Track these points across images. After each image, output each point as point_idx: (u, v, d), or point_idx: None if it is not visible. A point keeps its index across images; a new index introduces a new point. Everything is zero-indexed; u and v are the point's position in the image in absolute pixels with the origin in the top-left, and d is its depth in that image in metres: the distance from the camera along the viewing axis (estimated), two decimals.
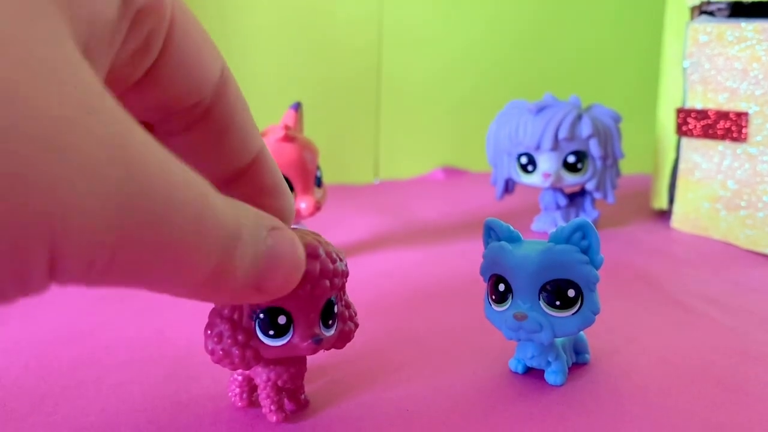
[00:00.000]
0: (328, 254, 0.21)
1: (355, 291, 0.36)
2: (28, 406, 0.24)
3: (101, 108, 0.12)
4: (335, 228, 0.50)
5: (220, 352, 0.21)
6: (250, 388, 0.24)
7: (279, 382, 0.23)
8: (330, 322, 0.22)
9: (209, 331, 0.21)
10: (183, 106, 0.18)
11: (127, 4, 0.14)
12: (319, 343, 0.21)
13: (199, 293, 0.16)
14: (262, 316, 0.21)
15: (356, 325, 0.23)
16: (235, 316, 0.21)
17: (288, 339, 0.21)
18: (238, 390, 0.24)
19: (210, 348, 0.21)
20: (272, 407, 0.23)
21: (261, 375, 0.23)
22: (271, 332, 0.21)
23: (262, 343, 0.21)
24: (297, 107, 0.41)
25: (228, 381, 0.24)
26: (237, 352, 0.21)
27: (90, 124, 0.12)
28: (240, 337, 0.21)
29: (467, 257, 0.42)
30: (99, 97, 0.12)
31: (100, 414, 0.24)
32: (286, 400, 0.23)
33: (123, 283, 0.13)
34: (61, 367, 0.27)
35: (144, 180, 0.13)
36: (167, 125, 0.18)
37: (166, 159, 0.14)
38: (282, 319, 0.21)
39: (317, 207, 0.39)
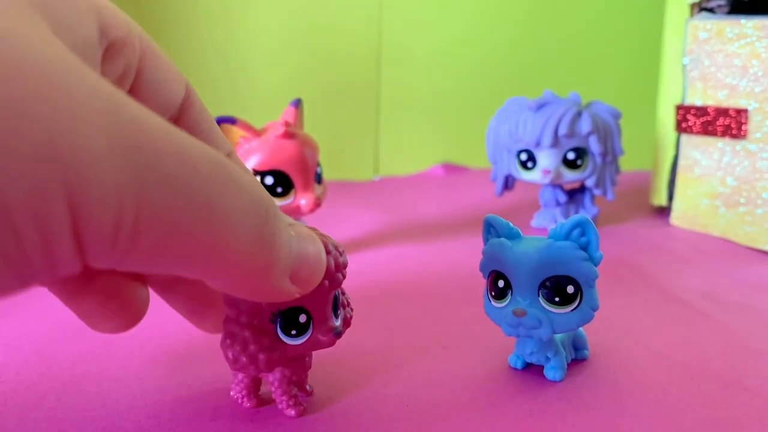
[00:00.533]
0: (335, 247, 0.21)
1: (355, 287, 0.36)
2: (29, 401, 0.24)
3: (98, 78, 0.13)
4: (335, 224, 0.50)
5: (245, 360, 0.21)
6: (256, 387, 0.24)
7: (293, 377, 0.23)
8: (338, 312, 0.22)
9: (229, 341, 0.21)
10: None
11: (103, 36, 0.16)
12: (339, 335, 0.22)
13: (243, 282, 0.16)
14: (281, 317, 0.21)
15: (352, 310, 0.24)
16: (255, 322, 0.21)
17: (309, 335, 0.21)
18: (245, 392, 0.24)
19: (232, 357, 0.21)
20: (290, 402, 0.23)
21: (274, 373, 0.23)
22: (294, 332, 0.21)
23: (285, 343, 0.21)
24: (297, 104, 0.41)
25: (232, 383, 0.24)
26: (263, 357, 0.21)
27: (82, 75, 0.12)
28: (265, 342, 0.21)
29: (467, 253, 0.42)
30: (92, 74, 0.13)
31: (101, 409, 0.24)
32: (298, 393, 0.24)
33: (160, 260, 0.13)
34: (62, 363, 0.27)
35: (146, 128, 0.12)
36: None
37: (170, 126, 0.14)
38: (302, 318, 0.21)
39: (317, 203, 0.39)
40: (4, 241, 0.11)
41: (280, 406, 0.23)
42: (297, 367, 0.23)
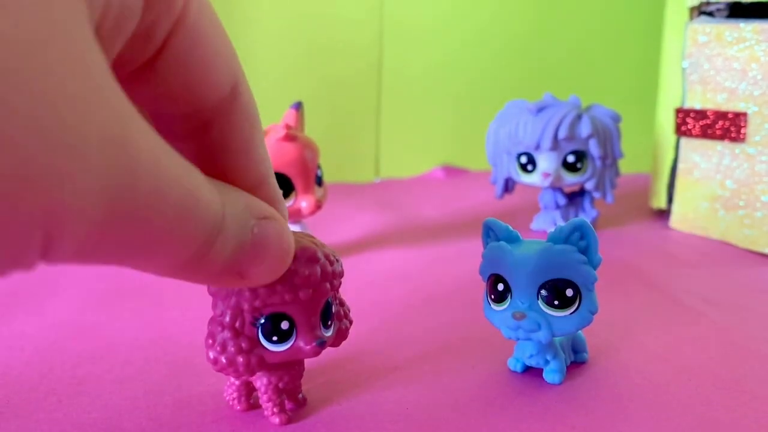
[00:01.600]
0: (326, 256, 0.21)
1: (354, 289, 0.36)
2: (31, 403, 0.24)
3: (105, 90, 0.12)
4: (336, 226, 0.50)
5: (224, 361, 0.21)
6: (248, 391, 0.24)
7: (280, 385, 0.23)
8: (329, 322, 0.22)
9: (210, 341, 0.21)
10: (177, 111, 0.17)
11: None
12: (322, 345, 0.21)
13: (180, 274, 0.16)
14: (264, 322, 0.21)
15: (351, 322, 0.23)
16: (237, 324, 0.21)
17: (291, 343, 0.21)
18: (236, 394, 0.24)
19: (213, 357, 0.21)
20: (274, 410, 0.23)
21: (261, 378, 0.22)
22: (275, 338, 0.21)
23: (266, 349, 0.21)
24: (298, 107, 0.41)
25: (225, 385, 0.24)
26: (241, 360, 0.21)
27: (94, 105, 0.12)
28: (244, 345, 0.21)
29: (467, 256, 0.42)
30: (105, 79, 0.12)
31: (103, 411, 0.24)
32: (286, 401, 0.24)
33: (106, 262, 0.14)
34: (64, 364, 0.27)
35: (136, 166, 0.13)
36: (163, 126, 0.18)
37: (162, 150, 0.14)
38: (285, 325, 0.21)
39: (318, 206, 0.39)
40: None
41: (265, 413, 0.23)
42: (285, 374, 0.23)
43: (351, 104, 0.71)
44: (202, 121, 0.17)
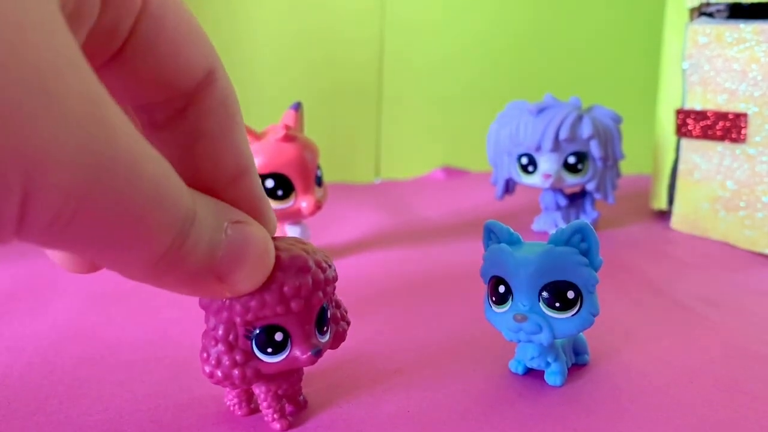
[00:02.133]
0: (318, 263, 0.21)
1: (354, 290, 0.36)
2: (31, 404, 0.24)
3: (82, 66, 0.13)
4: (336, 227, 0.50)
5: (220, 375, 0.21)
6: (248, 396, 0.24)
7: (279, 391, 0.23)
8: (324, 328, 0.22)
9: (205, 355, 0.21)
10: (154, 98, 0.17)
11: None
12: (318, 354, 0.21)
13: (155, 273, 0.16)
14: (257, 334, 0.20)
15: (348, 323, 0.23)
16: (231, 338, 0.20)
17: (287, 354, 0.21)
18: (236, 400, 0.24)
19: (208, 371, 0.21)
20: (275, 416, 0.23)
21: (260, 386, 0.22)
22: (269, 349, 0.21)
23: (261, 360, 0.21)
24: (297, 107, 0.41)
25: (225, 390, 0.24)
26: (237, 373, 0.21)
27: (72, 78, 0.12)
28: (238, 358, 0.20)
29: (467, 257, 0.42)
30: (79, 58, 0.13)
31: (103, 413, 0.24)
32: (286, 405, 0.23)
33: (77, 244, 0.14)
34: (65, 366, 0.27)
35: (113, 141, 0.13)
36: (143, 116, 0.18)
37: (135, 132, 0.14)
38: (279, 336, 0.20)
39: (318, 206, 0.39)
40: None
41: (266, 419, 0.23)
42: (283, 381, 0.22)
43: (351, 105, 0.71)
44: (179, 108, 0.17)
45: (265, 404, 0.23)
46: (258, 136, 0.38)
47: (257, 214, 0.19)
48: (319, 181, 0.40)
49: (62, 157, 0.12)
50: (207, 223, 0.16)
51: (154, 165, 0.14)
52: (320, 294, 0.21)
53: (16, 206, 0.12)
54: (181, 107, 0.17)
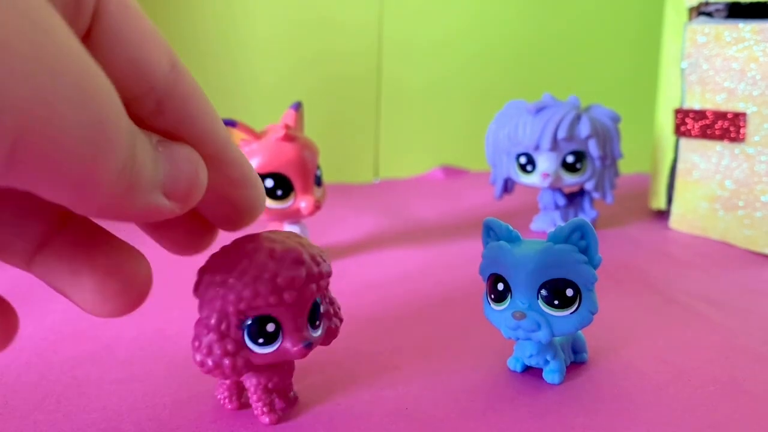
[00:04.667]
0: (312, 257, 0.21)
1: (353, 290, 0.36)
2: (30, 403, 0.24)
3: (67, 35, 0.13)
4: (335, 227, 0.50)
5: (210, 364, 0.21)
6: (238, 390, 0.24)
7: (269, 385, 0.23)
8: (317, 323, 0.22)
9: (197, 343, 0.21)
10: (134, 92, 0.17)
11: None
12: (309, 347, 0.21)
13: (113, 194, 0.16)
14: (250, 324, 0.21)
15: (341, 321, 0.23)
16: (223, 327, 0.21)
17: (278, 345, 0.21)
18: (227, 393, 0.24)
19: (199, 360, 0.21)
20: (264, 409, 0.23)
21: (251, 379, 0.22)
22: (261, 340, 0.21)
23: (252, 351, 0.21)
24: (297, 107, 0.41)
25: (216, 384, 0.24)
26: (228, 362, 0.21)
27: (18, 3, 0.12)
28: (230, 347, 0.21)
29: (466, 256, 0.42)
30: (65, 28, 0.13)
31: (102, 411, 0.24)
32: (276, 400, 0.23)
33: (28, 177, 0.14)
34: (63, 365, 0.27)
35: (56, 60, 0.13)
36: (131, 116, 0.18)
37: (82, 51, 0.14)
38: (271, 327, 0.21)
39: (317, 206, 0.39)
40: None
41: (255, 413, 0.23)
42: (274, 374, 0.23)
43: (350, 104, 0.71)
44: (155, 101, 0.18)
45: (255, 397, 0.23)
46: (257, 136, 0.38)
47: (247, 174, 0.20)
48: (318, 181, 0.40)
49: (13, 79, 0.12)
50: (143, 138, 0.17)
51: (101, 80, 0.14)
52: (314, 287, 0.21)
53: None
54: (158, 100, 0.18)
